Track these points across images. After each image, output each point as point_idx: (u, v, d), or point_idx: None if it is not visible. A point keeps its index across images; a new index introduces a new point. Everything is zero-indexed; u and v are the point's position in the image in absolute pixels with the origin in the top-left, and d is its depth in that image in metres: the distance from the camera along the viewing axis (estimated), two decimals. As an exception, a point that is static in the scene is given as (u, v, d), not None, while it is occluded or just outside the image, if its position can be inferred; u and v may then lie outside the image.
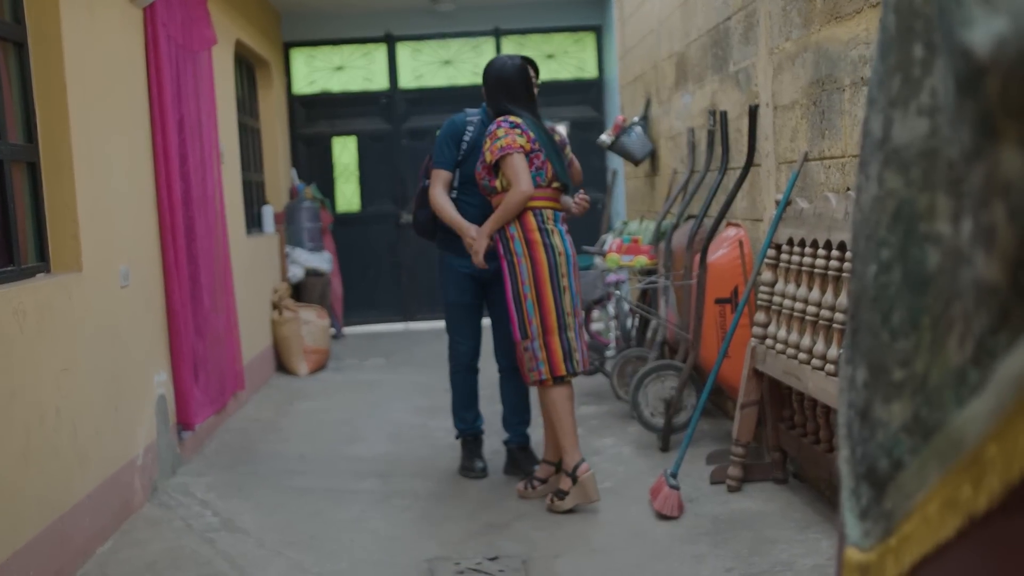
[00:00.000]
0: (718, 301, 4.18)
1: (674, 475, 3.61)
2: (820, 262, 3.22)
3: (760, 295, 3.68)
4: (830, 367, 3.11)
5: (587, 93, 8.94)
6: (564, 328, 3.70)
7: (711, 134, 4.67)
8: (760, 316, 3.69)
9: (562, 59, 8.97)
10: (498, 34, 8.84)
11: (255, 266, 6.66)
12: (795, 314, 3.40)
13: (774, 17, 3.87)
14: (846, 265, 3.07)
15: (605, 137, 6.13)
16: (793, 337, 3.41)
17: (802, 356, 3.30)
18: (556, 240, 3.72)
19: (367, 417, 5.56)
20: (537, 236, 3.70)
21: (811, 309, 3.27)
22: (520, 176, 3.64)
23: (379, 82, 8.95)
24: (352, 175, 9.07)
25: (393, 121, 8.97)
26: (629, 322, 5.94)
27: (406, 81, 8.96)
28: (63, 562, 3.22)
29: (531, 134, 3.72)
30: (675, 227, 5.01)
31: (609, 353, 6.02)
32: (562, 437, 3.71)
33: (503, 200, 3.69)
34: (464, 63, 8.95)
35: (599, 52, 8.91)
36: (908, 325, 0.64)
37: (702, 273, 4.19)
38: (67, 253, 3.61)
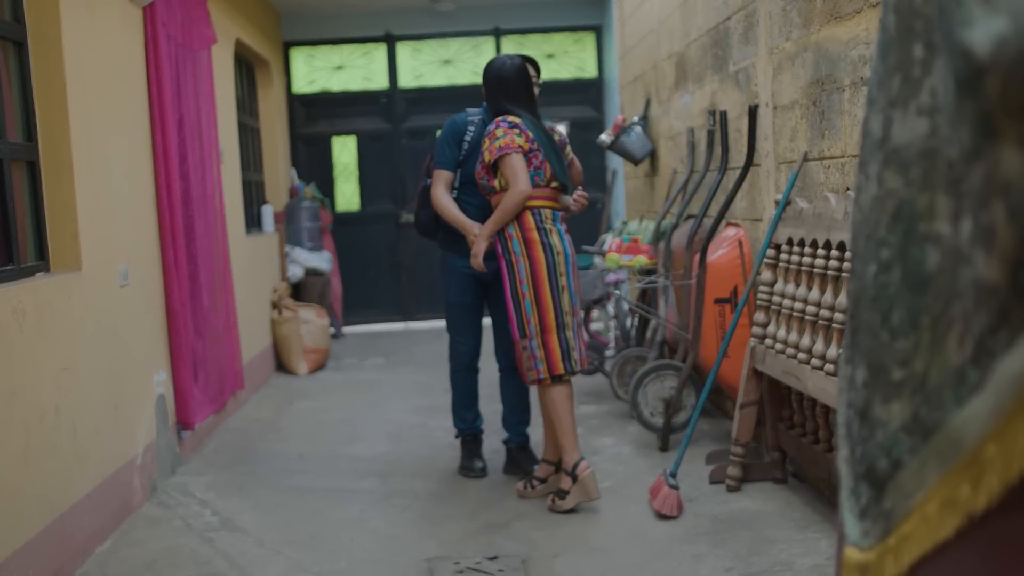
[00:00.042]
0: (717, 301, 4.19)
1: (673, 475, 3.61)
2: (820, 262, 3.22)
3: (759, 295, 3.68)
4: (829, 367, 3.11)
5: (587, 93, 8.94)
6: (562, 327, 3.71)
7: (711, 134, 4.67)
8: (759, 316, 3.69)
9: (562, 59, 8.97)
10: (498, 34, 8.84)
11: (255, 266, 6.66)
12: (794, 314, 3.40)
13: (774, 17, 3.87)
14: (846, 265, 3.07)
15: (605, 137, 6.13)
16: (792, 337, 3.41)
17: (801, 356, 3.30)
18: (554, 239, 3.72)
19: (367, 417, 5.56)
20: (535, 235, 3.70)
21: (810, 309, 3.27)
22: (518, 176, 3.64)
23: (379, 82, 8.95)
24: (352, 175, 9.06)
25: (393, 121, 8.97)
26: (629, 322, 5.94)
27: (406, 81, 8.96)
28: (62, 561, 3.22)
29: (529, 134, 3.72)
30: (675, 227, 5.01)
31: (609, 353, 6.02)
32: (561, 436, 3.72)
33: (501, 200, 3.70)
34: (464, 63, 8.95)
35: (599, 52, 8.91)
36: (908, 325, 0.64)
37: (701, 273, 4.19)
38: (67, 252, 3.61)
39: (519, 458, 4.22)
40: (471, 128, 4.06)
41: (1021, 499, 0.52)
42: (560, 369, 3.71)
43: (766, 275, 3.66)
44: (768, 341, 3.61)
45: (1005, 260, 0.51)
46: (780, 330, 3.51)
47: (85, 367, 3.56)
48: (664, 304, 5.07)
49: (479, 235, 3.79)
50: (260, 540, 3.58)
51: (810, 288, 3.33)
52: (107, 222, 3.88)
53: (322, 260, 7.89)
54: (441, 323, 8.10)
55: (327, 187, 8.91)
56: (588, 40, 8.95)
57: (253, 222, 7.21)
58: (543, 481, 3.91)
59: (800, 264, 3.38)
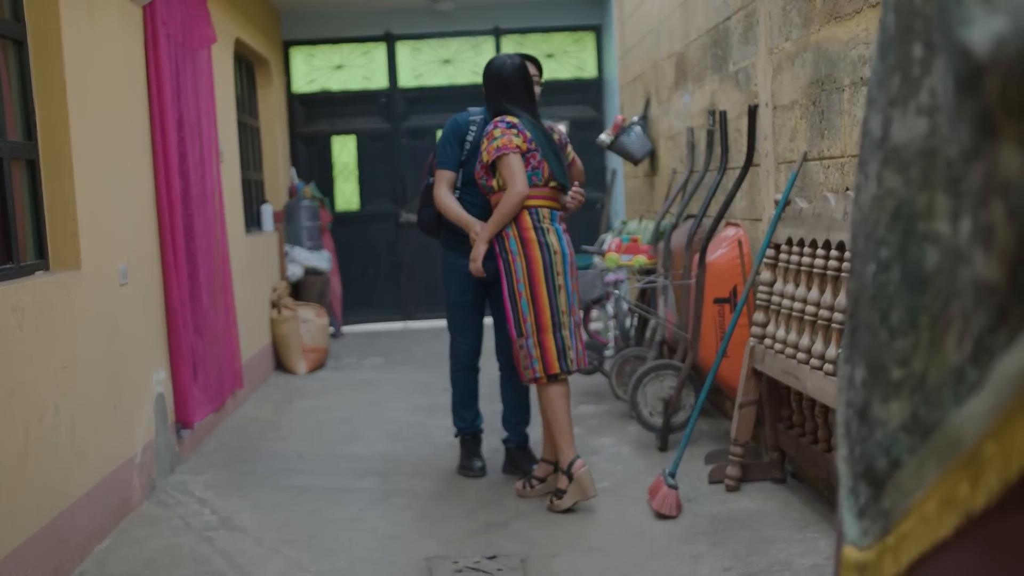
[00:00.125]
0: (717, 301, 4.19)
1: (672, 474, 3.61)
2: (819, 262, 3.22)
3: (759, 295, 3.69)
4: (829, 367, 3.11)
5: (587, 93, 8.94)
6: (558, 327, 3.71)
7: (710, 134, 4.67)
8: (759, 316, 3.69)
9: (562, 59, 8.97)
10: (498, 33, 8.84)
11: (254, 265, 6.66)
12: (794, 314, 3.40)
13: (774, 17, 3.87)
14: (845, 265, 3.08)
15: (604, 137, 6.13)
16: (792, 337, 3.41)
17: (801, 356, 3.30)
18: (552, 239, 3.72)
19: (366, 416, 5.56)
20: (532, 235, 3.70)
21: (810, 309, 3.27)
22: (516, 177, 3.65)
23: (379, 81, 8.95)
24: (351, 174, 9.06)
25: (392, 120, 8.97)
26: (628, 321, 5.94)
27: (406, 80, 8.96)
28: (61, 559, 3.22)
29: (527, 134, 3.72)
30: (674, 227, 5.01)
31: (608, 352, 6.02)
32: (557, 435, 3.72)
33: (500, 201, 3.70)
34: (464, 62, 8.95)
35: (599, 52, 8.91)
36: (907, 324, 0.64)
37: (701, 273, 4.19)
38: (66, 251, 3.61)
39: (518, 458, 4.22)
40: (473, 128, 4.05)
41: (1020, 498, 0.52)
42: (556, 368, 3.71)
43: (765, 275, 3.66)
44: (767, 341, 3.61)
45: (1004, 259, 0.51)
46: (779, 330, 3.51)
47: (84, 366, 3.56)
48: (663, 304, 5.07)
49: (478, 238, 3.79)
50: (259, 539, 3.58)
51: (809, 288, 3.33)
52: (106, 221, 3.88)
53: (321, 259, 7.89)
54: (440, 323, 8.10)
55: (327, 186, 8.90)
56: (588, 40, 8.95)
57: (253, 221, 7.21)
58: (542, 480, 3.91)
59: (799, 264, 3.38)
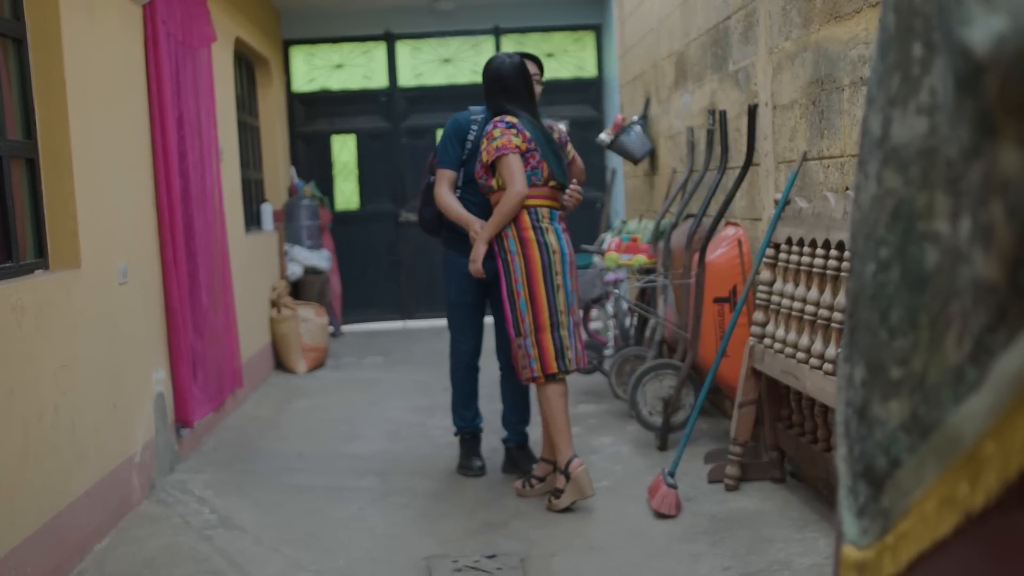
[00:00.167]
0: (716, 300, 4.19)
1: (672, 474, 3.61)
2: (819, 261, 3.22)
3: (758, 294, 3.69)
4: (828, 366, 3.11)
5: (586, 92, 8.94)
6: (556, 326, 3.71)
7: (710, 133, 4.67)
8: (758, 315, 3.69)
9: (562, 58, 8.97)
10: (498, 33, 8.84)
11: (254, 264, 6.66)
12: (793, 313, 3.40)
13: (774, 17, 3.87)
14: (845, 264, 3.08)
15: (604, 136, 6.13)
16: (791, 336, 3.41)
17: (800, 355, 3.30)
18: (551, 238, 3.72)
19: (365, 415, 5.56)
20: (531, 234, 3.70)
21: (809, 308, 3.27)
22: (515, 177, 3.65)
23: (379, 80, 8.95)
24: (351, 173, 9.06)
25: (392, 119, 8.97)
26: (628, 321, 5.94)
27: (405, 79, 8.96)
28: (61, 558, 3.22)
29: (527, 134, 3.72)
30: (674, 226, 5.01)
31: (607, 352, 6.02)
32: (555, 434, 3.72)
33: (499, 201, 3.70)
34: (464, 62, 8.95)
35: (599, 51, 8.91)
36: (906, 323, 0.64)
37: (701, 272, 4.19)
38: (66, 250, 3.61)
39: (518, 457, 4.23)
40: (474, 127, 4.05)
41: (1019, 497, 0.52)
42: (554, 368, 3.71)
43: (765, 274, 3.66)
44: (767, 340, 3.61)
45: (1004, 258, 0.51)
46: (779, 329, 3.51)
47: (84, 365, 3.56)
48: (663, 303, 5.07)
49: (478, 238, 3.79)
50: (258, 538, 3.58)
51: (809, 287, 3.33)
52: (106, 220, 3.88)
53: (321, 258, 7.89)
54: (440, 322, 8.10)
55: (326, 186, 8.90)
56: (588, 39, 8.95)
57: (252, 220, 7.21)
58: (541, 480, 3.91)
59: (799, 263, 3.38)
